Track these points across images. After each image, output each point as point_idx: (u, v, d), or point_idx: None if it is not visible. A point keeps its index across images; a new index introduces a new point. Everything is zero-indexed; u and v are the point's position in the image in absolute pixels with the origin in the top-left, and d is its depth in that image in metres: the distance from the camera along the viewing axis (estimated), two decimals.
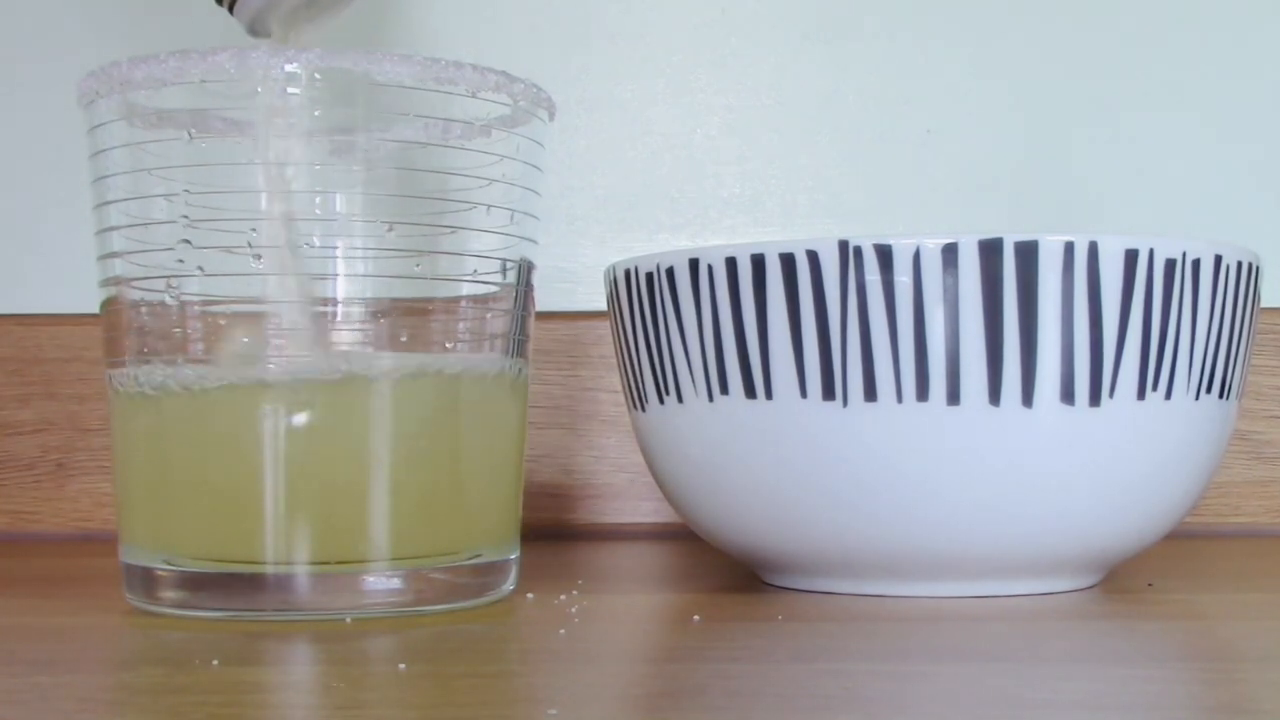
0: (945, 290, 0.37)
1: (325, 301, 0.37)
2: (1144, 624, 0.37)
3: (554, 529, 0.60)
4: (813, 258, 0.37)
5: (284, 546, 0.36)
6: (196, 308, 0.37)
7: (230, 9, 0.44)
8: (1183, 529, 0.43)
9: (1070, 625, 0.36)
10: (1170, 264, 0.38)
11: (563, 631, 0.35)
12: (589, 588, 0.42)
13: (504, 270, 0.39)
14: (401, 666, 0.30)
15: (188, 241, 0.36)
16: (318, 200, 0.36)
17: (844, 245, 0.37)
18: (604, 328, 0.60)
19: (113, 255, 0.38)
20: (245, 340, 0.36)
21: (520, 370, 0.40)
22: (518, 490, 0.40)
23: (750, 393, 0.39)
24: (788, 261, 0.38)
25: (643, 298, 0.41)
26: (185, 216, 0.36)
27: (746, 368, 0.39)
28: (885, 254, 0.37)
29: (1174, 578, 0.44)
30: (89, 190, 0.38)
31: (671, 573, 0.48)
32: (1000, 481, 0.37)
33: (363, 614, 0.36)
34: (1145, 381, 0.38)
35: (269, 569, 0.36)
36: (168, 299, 0.37)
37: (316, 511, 0.36)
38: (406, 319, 0.37)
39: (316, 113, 0.36)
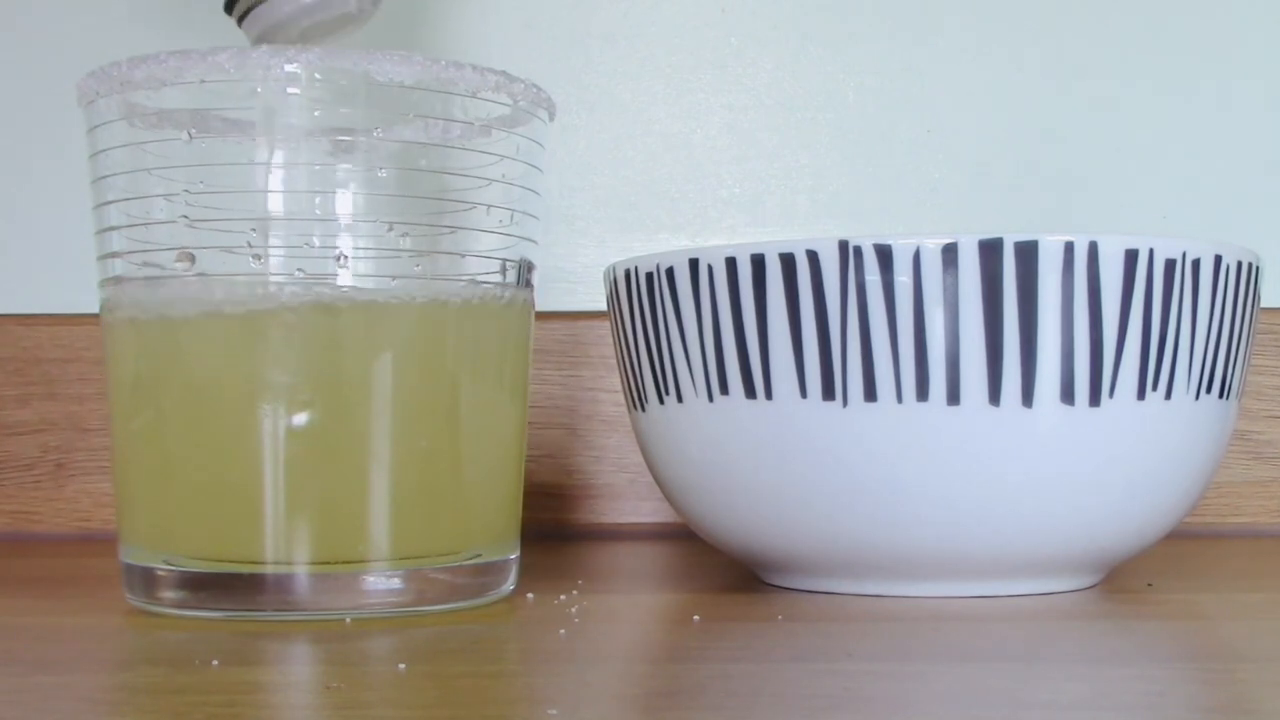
0: (945, 290, 0.37)
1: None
2: (1144, 624, 0.37)
3: (554, 529, 0.60)
4: (813, 258, 0.37)
5: (284, 546, 0.36)
6: None
7: (239, 21, 0.44)
8: (1183, 529, 0.43)
9: (1070, 625, 0.36)
10: (1170, 264, 0.38)
11: (563, 631, 0.35)
12: (589, 588, 0.42)
13: (504, 270, 0.39)
14: (401, 666, 0.30)
15: (187, 243, 0.36)
16: (317, 200, 0.36)
17: (844, 245, 0.37)
18: (604, 328, 0.60)
19: (113, 255, 0.38)
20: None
21: (521, 355, 0.40)
22: (518, 490, 0.40)
23: (750, 393, 0.39)
24: (788, 261, 0.38)
25: (643, 298, 0.41)
26: (185, 216, 0.36)
27: (746, 368, 0.39)
28: (885, 254, 0.37)
29: (1174, 578, 0.44)
30: (89, 190, 0.38)
31: (671, 573, 0.48)
32: (1000, 481, 0.37)
33: (363, 614, 0.36)
34: (1145, 381, 0.38)
35: (269, 569, 0.36)
36: None
37: (316, 509, 0.36)
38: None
39: (316, 113, 0.36)
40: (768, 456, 0.39)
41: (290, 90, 0.36)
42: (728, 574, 0.45)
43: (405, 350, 0.37)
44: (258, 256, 0.36)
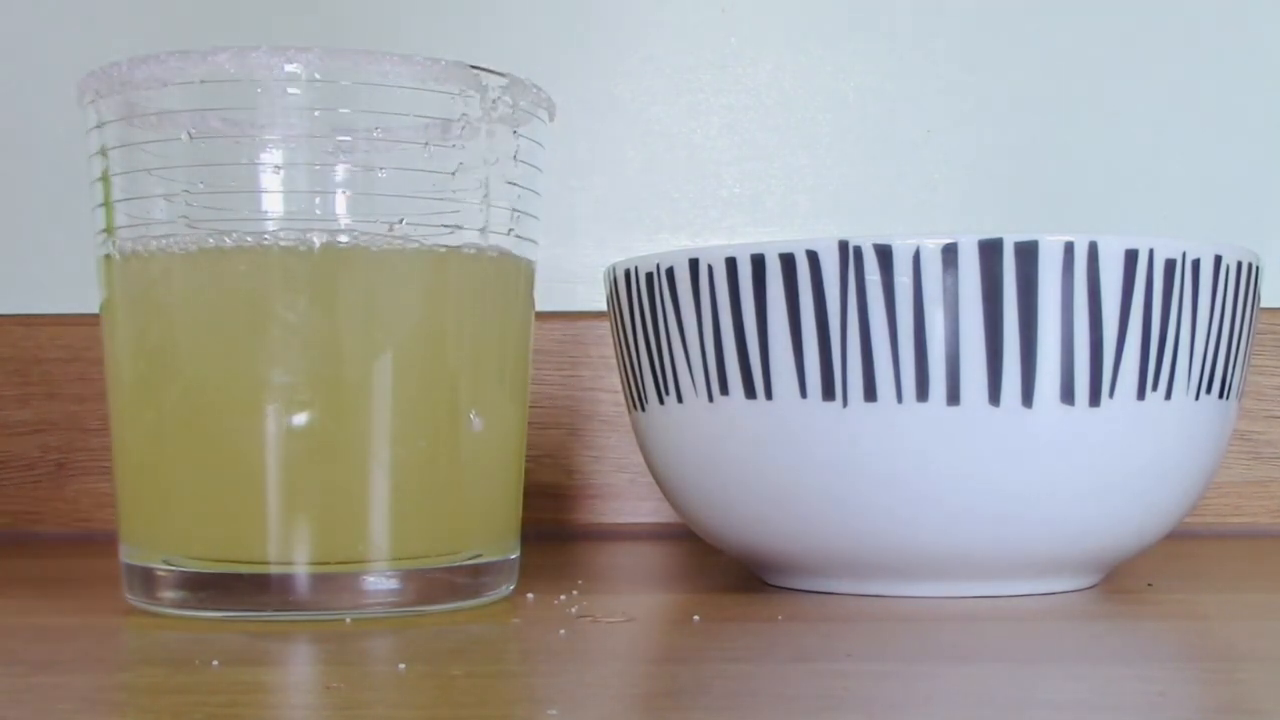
0: (945, 290, 0.37)
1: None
2: (1144, 624, 0.37)
3: (554, 529, 0.60)
4: (813, 258, 0.37)
5: (284, 546, 0.36)
6: None
7: None
8: (1183, 529, 0.43)
9: (1070, 625, 0.36)
10: (1170, 264, 0.38)
11: (563, 631, 0.35)
12: (589, 588, 0.42)
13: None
14: (401, 666, 0.30)
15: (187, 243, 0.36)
16: (317, 200, 0.36)
17: (844, 245, 0.37)
18: (604, 328, 0.60)
19: (113, 255, 0.38)
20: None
21: (521, 351, 0.40)
22: (518, 490, 0.40)
23: (750, 393, 0.39)
24: (788, 261, 0.38)
25: (643, 298, 0.41)
26: (185, 217, 0.36)
27: (746, 368, 0.39)
28: (885, 254, 0.37)
29: (1174, 578, 0.44)
30: (89, 190, 0.38)
31: (671, 573, 0.48)
32: (1000, 481, 0.37)
33: (363, 614, 0.36)
34: (1145, 381, 0.38)
35: (269, 569, 0.36)
36: None
37: (316, 509, 0.36)
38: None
39: (316, 113, 0.36)
40: (767, 456, 0.39)
41: (290, 90, 0.36)
42: (728, 574, 0.45)
43: (406, 334, 0.37)
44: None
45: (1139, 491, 0.39)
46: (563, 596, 0.40)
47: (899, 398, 0.37)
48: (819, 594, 0.40)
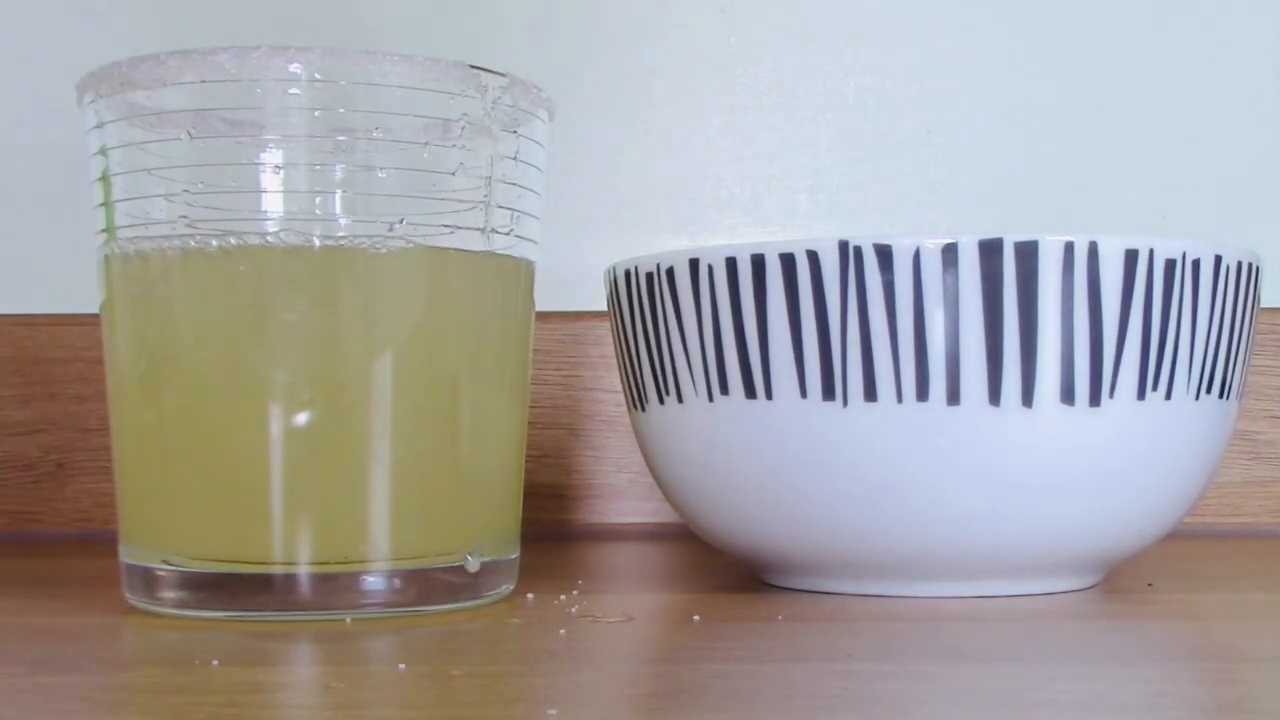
0: (945, 290, 0.37)
1: None
2: (1144, 624, 0.37)
3: (554, 529, 0.60)
4: (813, 258, 0.37)
5: (284, 546, 0.36)
6: None
7: None
8: (1183, 529, 0.43)
9: (1070, 625, 0.36)
10: (1170, 264, 0.38)
11: (563, 631, 0.35)
12: (589, 588, 0.42)
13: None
14: (401, 666, 0.30)
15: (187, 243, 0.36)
16: (317, 200, 0.36)
17: (844, 245, 0.37)
18: (604, 328, 0.60)
19: (113, 255, 0.38)
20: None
21: (522, 348, 0.40)
22: (518, 490, 0.40)
23: (750, 393, 0.39)
24: (788, 261, 0.38)
25: (643, 298, 0.41)
26: (185, 217, 0.36)
27: (746, 368, 0.39)
28: (885, 254, 0.37)
29: (1174, 578, 0.44)
30: (89, 190, 0.38)
31: (671, 573, 0.48)
32: (1000, 481, 0.37)
33: (363, 614, 0.36)
34: (1145, 381, 0.38)
35: (269, 569, 0.36)
36: None
37: (316, 509, 0.36)
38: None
39: (316, 113, 0.36)
40: (768, 456, 0.39)
41: (290, 90, 0.36)
42: (728, 574, 0.45)
43: (406, 334, 0.37)
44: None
45: (1139, 491, 0.39)
46: (563, 596, 0.40)
47: (899, 398, 0.37)
48: (819, 594, 0.40)
